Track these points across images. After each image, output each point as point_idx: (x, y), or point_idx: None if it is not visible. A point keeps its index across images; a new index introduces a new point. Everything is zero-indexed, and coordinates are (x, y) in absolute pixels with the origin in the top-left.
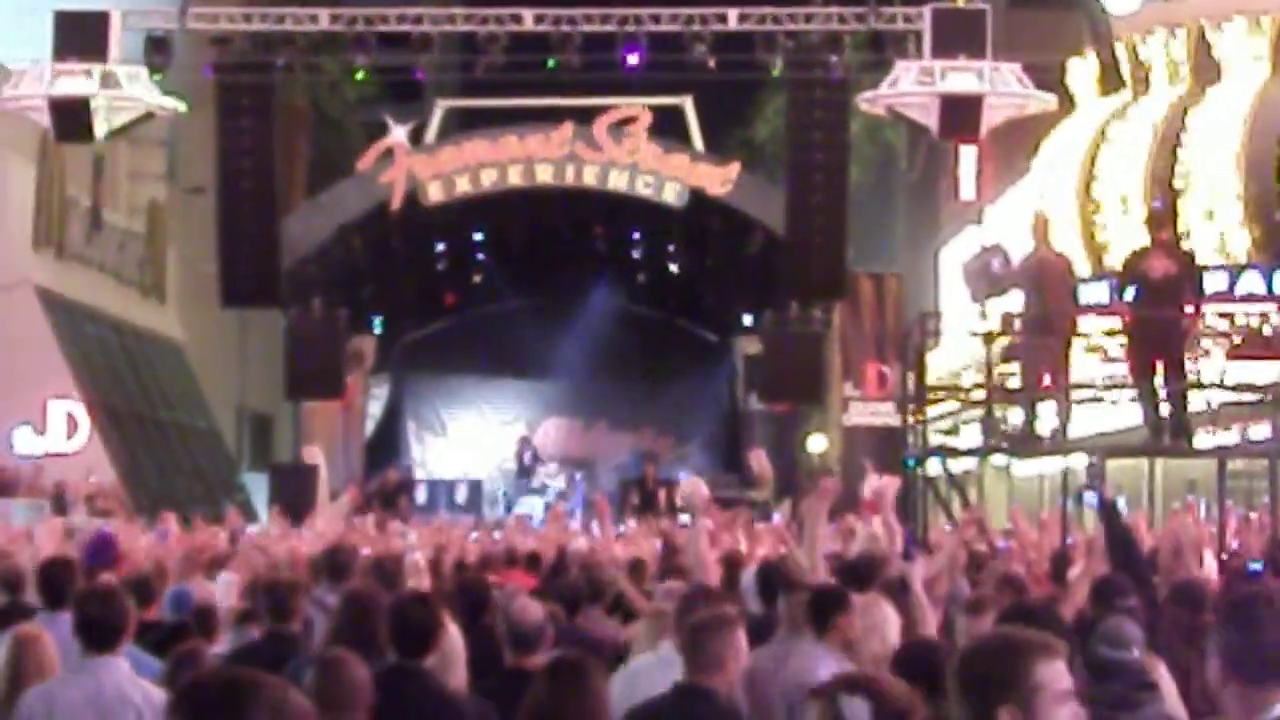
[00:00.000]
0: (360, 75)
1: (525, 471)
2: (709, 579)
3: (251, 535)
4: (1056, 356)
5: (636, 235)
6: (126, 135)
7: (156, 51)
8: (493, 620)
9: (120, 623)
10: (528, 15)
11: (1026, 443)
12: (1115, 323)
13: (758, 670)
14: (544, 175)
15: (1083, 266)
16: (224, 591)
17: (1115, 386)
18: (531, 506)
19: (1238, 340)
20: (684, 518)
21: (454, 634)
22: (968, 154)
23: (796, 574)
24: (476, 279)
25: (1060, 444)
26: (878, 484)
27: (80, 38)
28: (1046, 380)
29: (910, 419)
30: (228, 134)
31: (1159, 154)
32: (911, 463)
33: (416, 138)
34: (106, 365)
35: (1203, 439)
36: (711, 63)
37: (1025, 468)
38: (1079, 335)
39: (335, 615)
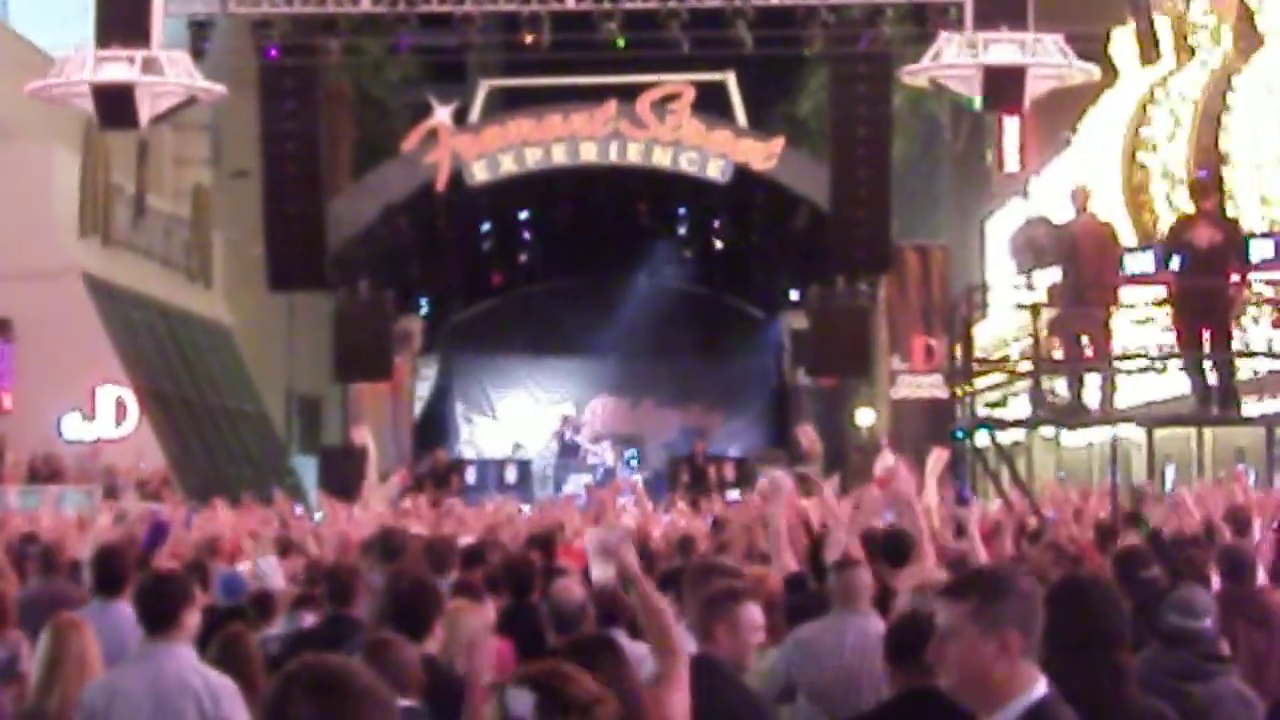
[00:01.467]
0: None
1: (568, 450)
2: (789, 566)
3: (306, 522)
4: (1098, 326)
5: (682, 212)
6: (170, 121)
7: (199, 36)
8: (538, 600)
9: (179, 606)
10: None
11: (1074, 413)
12: (1161, 292)
13: (815, 642)
14: (588, 153)
15: (1128, 236)
16: (270, 575)
17: (1163, 356)
18: (579, 486)
19: None
20: (732, 494)
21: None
22: (1011, 126)
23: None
24: (523, 258)
25: (1108, 414)
26: (890, 462)
27: (122, 24)
28: (1089, 350)
29: (958, 391)
30: (271, 117)
31: (1203, 123)
32: (960, 435)
33: (460, 118)
34: (154, 350)
35: (1250, 407)
36: (753, 39)
37: (1073, 438)
38: (1123, 305)
39: (383, 597)
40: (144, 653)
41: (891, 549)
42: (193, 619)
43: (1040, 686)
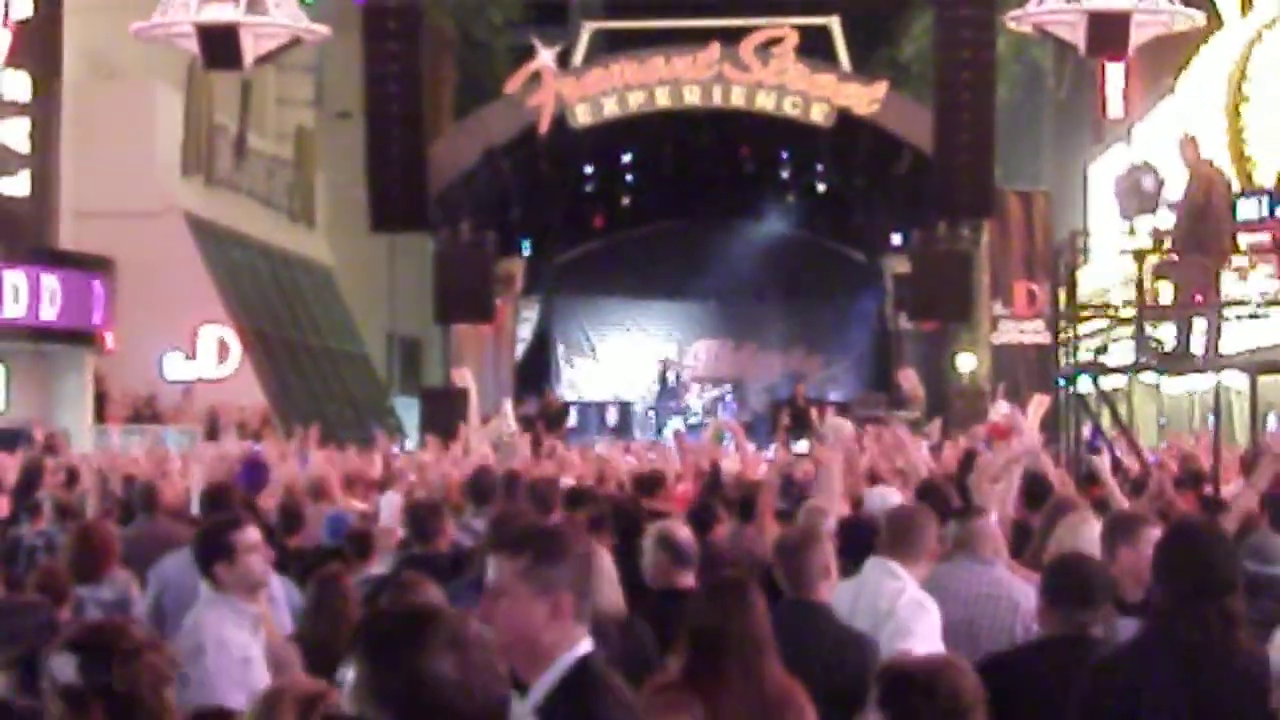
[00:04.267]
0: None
1: (668, 393)
2: (837, 510)
3: (405, 457)
4: (1211, 274)
5: (784, 156)
6: (274, 62)
7: None
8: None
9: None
10: None
11: (1178, 360)
12: (1265, 239)
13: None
14: (691, 96)
15: (1233, 184)
16: (388, 513)
17: (1269, 303)
18: (677, 428)
19: None
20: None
21: (605, 556)
22: (1115, 71)
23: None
24: (625, 201)
25: (1211, 361)
26: (1006, 410)
27: None
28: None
29: (1060, 337)
30: (375, 59)
31: None
32: (1062, 380)
33: (564, 60)
34: (256, 290)
35: None
36: None
37: (1175, 385)
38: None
39: (484, 538)
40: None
41: (1030, 492)
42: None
43: (584, 645)
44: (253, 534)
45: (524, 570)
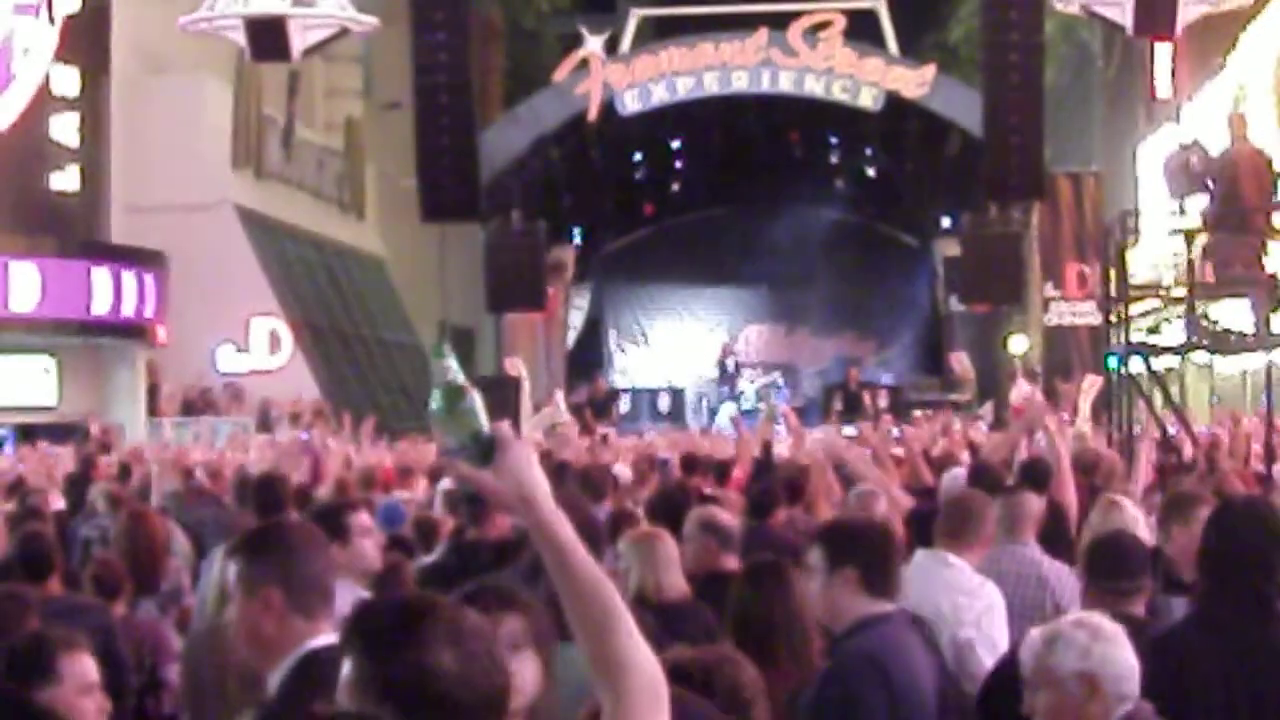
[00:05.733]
0: None
1: (727, 378)
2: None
3: None
4: (1252, 252)
5: (834, 140)
6: (322, 53)
7: None
8: None
9: None
10: None
11: (1229, 340)
12: None
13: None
14: (740, 82)
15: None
16: (439, 501)
17: None
18: (732, 413)
19: None
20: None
21: (668, 541)
22: (1163, 51)
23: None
24: (674, 187)
25: (1263, 341)
26: (1026, 391)
27: None
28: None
29: (1112, 318)
30: (423, 49)
31: None
32: (1114, 361)
33: (611, 47)
34: (308, 282)
35: None
36: None
37: (1227, 365)
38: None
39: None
40: None
41: (1030, 476)
42: None
43: (319, 639)
44: (366, 519)
45: (239, 572)
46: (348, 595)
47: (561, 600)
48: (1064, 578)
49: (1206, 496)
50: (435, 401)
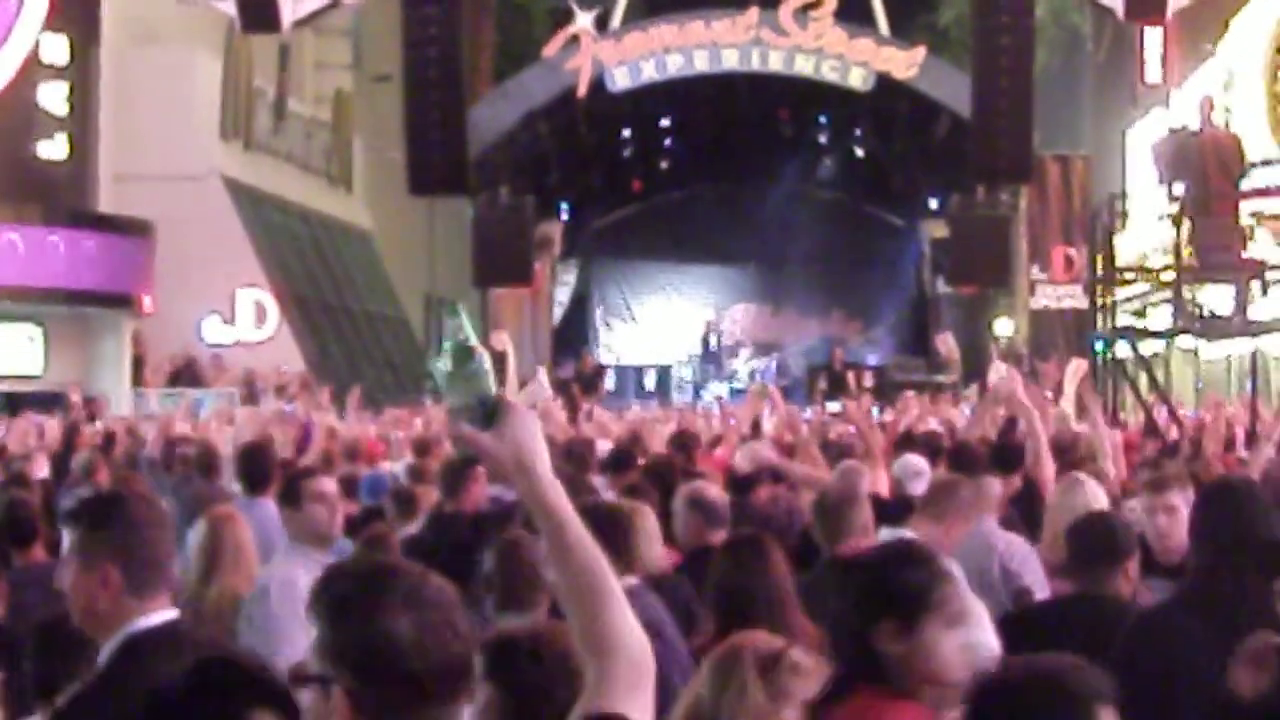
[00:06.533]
0: None
1: (711, 356)
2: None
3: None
4: (1233, 237)
5: (823, 120)
6: (312, 25)
7: None
8: None
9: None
10: None
11: (1215, 325)
12: None
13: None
14: (730, 60)
15: (1271, 148)
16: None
17: None
18: (719, 392)
19: None
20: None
21: (650, 516)
22: (1153, 36)
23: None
24: (663, 165)
25: (1249, 326)
26: (1004, 372)
27: None
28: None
29: (1098, 301)
30: (413, 22)
31: None
32: (1100, 345)
33: (602, 24)
34: (294, 254)
35: None
36: None
37: (1212, 350)
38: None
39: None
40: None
41: (999, 457)
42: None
43: (150, 618)
44: (323, 484)
45: (76, 541)
46: (298, 559)
47: (554, 572)
48: (1014, 544)
49: (1185, 480)
50: (444, 360)
